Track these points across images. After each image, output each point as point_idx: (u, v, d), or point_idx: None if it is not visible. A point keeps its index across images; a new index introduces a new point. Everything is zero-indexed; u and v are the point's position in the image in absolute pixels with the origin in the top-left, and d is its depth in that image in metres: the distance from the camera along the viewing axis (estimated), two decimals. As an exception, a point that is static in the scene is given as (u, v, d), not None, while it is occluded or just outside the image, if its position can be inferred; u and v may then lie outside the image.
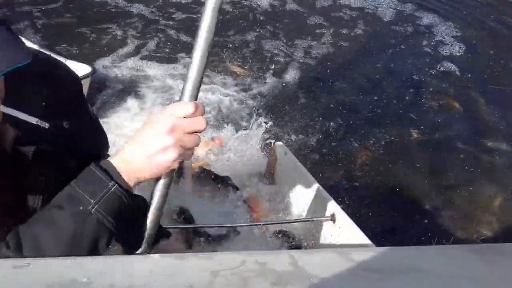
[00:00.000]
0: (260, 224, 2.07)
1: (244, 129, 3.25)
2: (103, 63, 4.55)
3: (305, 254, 0.88)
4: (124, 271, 0.82)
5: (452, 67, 5.13)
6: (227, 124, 3.79)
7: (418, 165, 3.78)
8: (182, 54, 4.88)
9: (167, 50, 4.94)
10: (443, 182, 3.66)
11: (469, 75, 5.04)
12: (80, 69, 3.59)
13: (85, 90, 3.68)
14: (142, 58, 4.73)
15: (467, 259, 0.88)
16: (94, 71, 3.67)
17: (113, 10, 5.50)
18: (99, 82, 4.20)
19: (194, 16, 5.58)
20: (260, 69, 4.83)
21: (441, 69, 5.09)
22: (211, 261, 0.85)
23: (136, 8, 5.59)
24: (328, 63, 5.09)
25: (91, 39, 4.91)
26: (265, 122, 2.97)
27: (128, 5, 5.63)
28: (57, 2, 5.45)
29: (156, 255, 0.86)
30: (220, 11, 0.92)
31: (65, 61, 3.66)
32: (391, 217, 3.30)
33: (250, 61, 4.93)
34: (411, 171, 3.71)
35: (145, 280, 0.79)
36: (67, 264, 0.85)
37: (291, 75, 4.79)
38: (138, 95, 4.22)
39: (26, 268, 0.83)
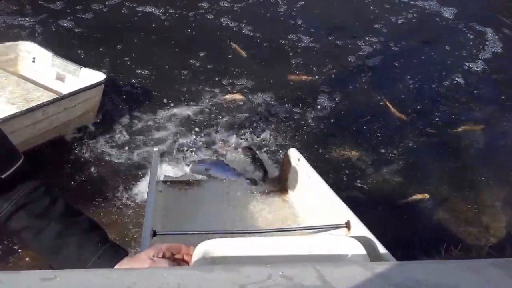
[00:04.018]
0: (271, 231, 2.06)
1: (256, 136, 3.24)
2: (117, 70, 4.58)
3: (330, 268, 0.88)
4: (152, 284, 0.83)
5: (477, 80, 5.12)
6: (240, 130, 3.80)
7: (430, 175, 3.80)
8: (192, 61, 4.90)
9: (180, 58, 4.96)
10: (452, 190, 3.67)
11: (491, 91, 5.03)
12: (94, 76, 3.65)
13: (99, 96, 3.72)
14: (155, 67, 4.73)
15: (494, 274, 0.87)
16: (108, 78, 3.74)
17: (130, 18, 5.53)
18: (112, 89, 4.24)
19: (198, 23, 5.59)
20: (273, 72, 4.83)
21: (460, 81, 5.06)
22: (237, 274, 0.86)
23: (155, 16, 5.60)
24: (344, 67, 5.08)
25: (106, 46, 4.94)
26: (278, 128, 2.96)
27: (144, 13, 5.66)
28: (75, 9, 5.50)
29: (184, 268, 0.87)
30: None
31: (80, 68, 3.72)
32: (401, 224, 3.32)
33: (262, 63, 4.93)
34: (422, 181, 3.72)
35: (173, 293, 0.80)
36: (95, 277, 0.86)
37: (305, 79, 4.78)
38: (150, 102, 4.24)
39: (53, 281, 0.83)
